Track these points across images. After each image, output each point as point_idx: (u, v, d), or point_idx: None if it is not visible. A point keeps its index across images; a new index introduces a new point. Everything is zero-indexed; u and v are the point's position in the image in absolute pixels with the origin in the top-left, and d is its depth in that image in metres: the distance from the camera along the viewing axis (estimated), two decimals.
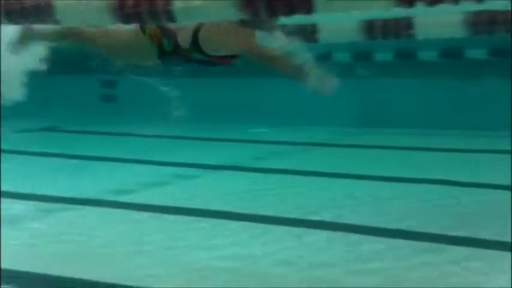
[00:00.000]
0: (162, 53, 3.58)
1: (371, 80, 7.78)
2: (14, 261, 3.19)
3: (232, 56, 3.58)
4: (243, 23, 3.26)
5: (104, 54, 3.79)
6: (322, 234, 3.64)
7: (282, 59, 3.37)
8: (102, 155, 6.28)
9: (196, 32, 3.43)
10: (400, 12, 3.38)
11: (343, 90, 8.02)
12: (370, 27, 4.22)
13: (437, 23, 4.10)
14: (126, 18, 2.60)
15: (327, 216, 4.00)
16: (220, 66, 3.71)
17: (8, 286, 2.90)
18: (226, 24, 3.32)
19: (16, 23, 2.80)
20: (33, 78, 4.27)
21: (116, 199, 4.56)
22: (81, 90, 8.80)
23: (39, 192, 4.69)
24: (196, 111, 6.63)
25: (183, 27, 3.41)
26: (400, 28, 4.05)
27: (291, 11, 2.41)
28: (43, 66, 4.17)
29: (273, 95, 7.96)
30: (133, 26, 3.42)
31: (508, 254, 3.17)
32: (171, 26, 3.38)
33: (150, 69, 4.63)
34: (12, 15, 2.74)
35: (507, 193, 4.31)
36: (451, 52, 7.17)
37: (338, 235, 3.64)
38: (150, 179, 5.21)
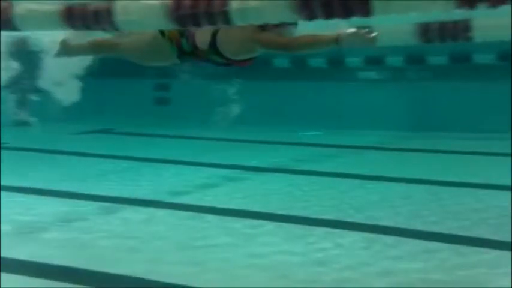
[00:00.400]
0: (181, 53, 3.66)
1: (424, 83, 7.67)
2: None
3: (250, 58, 3.60)
4: (261, 27, 3.28)
5: (129, 58, 3.89)
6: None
7: (305, 36, 3.29)
8: (154, 156, 6.37)
9: (214, 35, 3.47)
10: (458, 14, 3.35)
11: (397, 93, 7.96)
12: (425, 30, 4.14)
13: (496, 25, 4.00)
14: (183, 20, 2.62)
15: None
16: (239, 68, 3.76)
17: None
18: (241, 27, 3.27)
19: (76, 28, 2.82)
20: (89, 82, 4.37)
21: (169, 200, 4.63)
22: (135, 94, 8.94)
23: (96, 192, 4.80)
24: (248, 114, 6.69)
25: (201, 29, 3.44)
26: (457, 31, 3.97)
27: (348, 12, 2.39)
28: (96, 70, 4.27)
29: (327, 98, 7.94)
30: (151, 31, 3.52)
31: None
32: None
33: (203, 73, 4.68)
34: (72, 20, 2.78)
35: None
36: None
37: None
38: (201, 180, 5.27)
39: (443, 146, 6.70)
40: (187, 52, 3.67)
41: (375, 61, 7.70)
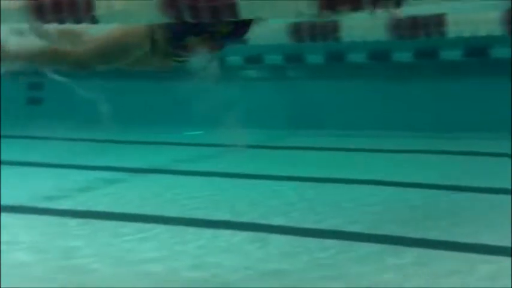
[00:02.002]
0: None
1: (302, 82, 7.87)
2: None
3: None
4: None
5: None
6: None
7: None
8: (26, 159, 6.12)
9: None
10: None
11: (274, 92, 8.12)
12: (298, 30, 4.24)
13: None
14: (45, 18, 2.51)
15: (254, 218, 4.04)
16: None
17: None
18: None
19: (48, 21, 2.50)
20: None
21: (43, 205, 4.45)
22: (7, 93, 8.53)
23: None
24: (125, 114, 6.56)
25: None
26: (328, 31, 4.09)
27: (215, 15, 2.39)
28: None
29: (208, 97, 7.93)
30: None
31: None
32: None
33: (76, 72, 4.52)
34: (43, 13, 2.48)
35: None
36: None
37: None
38: (77, 184, 5.12)
39: (320, 143, 6.91)
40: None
41: (254, 60, 7.81)
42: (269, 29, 4.66)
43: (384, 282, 2.99)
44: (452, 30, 3.58)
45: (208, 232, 3.80)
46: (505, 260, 3.14)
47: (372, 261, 3.22)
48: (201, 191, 4.84)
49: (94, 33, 3.30)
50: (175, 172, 5.65)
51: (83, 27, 3.06)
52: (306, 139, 7.23)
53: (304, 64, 7.78)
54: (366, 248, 3.44)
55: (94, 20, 2.46)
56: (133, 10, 2.40)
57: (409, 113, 7.30)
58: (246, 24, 3.22)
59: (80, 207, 4.41)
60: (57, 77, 4.53)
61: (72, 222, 4.07)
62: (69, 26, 2.92)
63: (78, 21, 2.49)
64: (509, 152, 5.40)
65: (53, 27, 3.06)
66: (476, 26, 3.68)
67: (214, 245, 3.57)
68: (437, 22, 3.57)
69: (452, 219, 3.92)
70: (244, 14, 2.37)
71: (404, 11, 3.37)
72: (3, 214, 4.18)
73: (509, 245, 3.31)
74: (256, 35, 4.26)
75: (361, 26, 3.99)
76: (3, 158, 6.13)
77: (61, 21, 2.52)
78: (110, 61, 3.45)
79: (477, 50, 6.94)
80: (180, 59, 3.41)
